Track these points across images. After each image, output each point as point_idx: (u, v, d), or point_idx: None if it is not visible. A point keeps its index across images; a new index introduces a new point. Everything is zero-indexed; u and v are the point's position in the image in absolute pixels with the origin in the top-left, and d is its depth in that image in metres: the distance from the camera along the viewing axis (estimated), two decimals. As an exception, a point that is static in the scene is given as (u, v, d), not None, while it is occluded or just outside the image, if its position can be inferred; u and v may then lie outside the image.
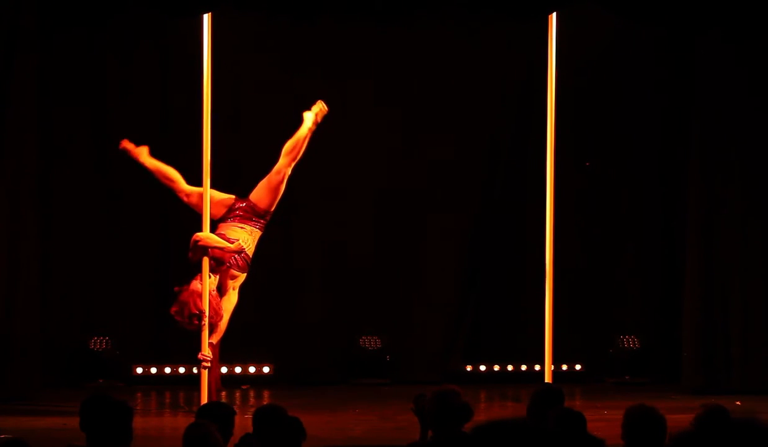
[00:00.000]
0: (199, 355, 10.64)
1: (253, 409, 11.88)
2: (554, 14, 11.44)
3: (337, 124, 13.56)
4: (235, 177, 13.31)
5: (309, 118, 11.11)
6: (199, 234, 10.60)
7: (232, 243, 10.78)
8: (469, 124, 13.66)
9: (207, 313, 10.50)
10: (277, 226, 13.54)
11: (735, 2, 12.67)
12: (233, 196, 11.00)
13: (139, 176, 13.05)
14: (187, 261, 10.72)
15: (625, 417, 5.86)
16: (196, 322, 10.54)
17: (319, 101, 11.10)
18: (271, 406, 6.31)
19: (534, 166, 12.50)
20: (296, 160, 11.08)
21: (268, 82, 13.55)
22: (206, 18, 10.86)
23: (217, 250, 10.68)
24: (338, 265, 13.60)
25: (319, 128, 13.60)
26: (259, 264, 13.31)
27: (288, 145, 11.12)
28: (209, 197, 10.73)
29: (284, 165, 11.09)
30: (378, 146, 13.63)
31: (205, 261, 10.61)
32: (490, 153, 13.78)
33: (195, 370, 10.84)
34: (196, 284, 10.62)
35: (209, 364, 10.70)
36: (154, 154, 13.34)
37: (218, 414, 6.20)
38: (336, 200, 13.66)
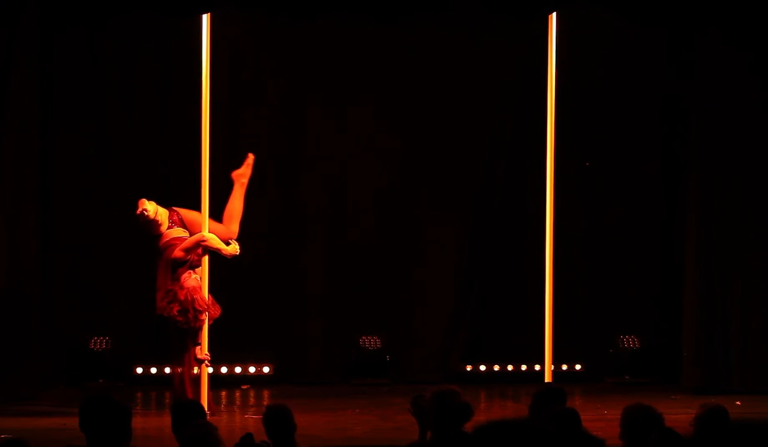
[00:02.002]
0: (203, 356, 10.72)
1: (253, 409, 11.95)
2: (554, 14, 11.45)
3: (336, 125, 13.59)
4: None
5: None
6: (205, 234, 10.72)
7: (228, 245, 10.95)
8: (469, 124, 13.65)
9: (208, 310, 10.68)
10: (276, 226, 13.57)
11: (735, 2, 12.68)
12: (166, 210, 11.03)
13: (139, 176, 13.09)
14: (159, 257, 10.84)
15: (623, 416, 5.86)
16: (202, 317, 10.63)
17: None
18: (281, 405, 6.30)
19: (534, 166, 12.51)
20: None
21: (268, 82, 13.54)
22: (206, 18, 10.87)
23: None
24: (338, 265, 13.59)
25: (320, 129, 13.62)
26: (259, 264, 13.36)
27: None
28: (207, 198, 10.78)
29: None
30: (378, 146, 13.62)
31: (205, 260, 10.73)
32: (490, 153, 13.77)
33: (195, 371, 10.83)
34: (191, 281, 10.70)
35: (209, 364, 10.86)
36: (154, 153, 13.38)
37: (193, 411, 6.20)
38: (336, 200, 13.65)
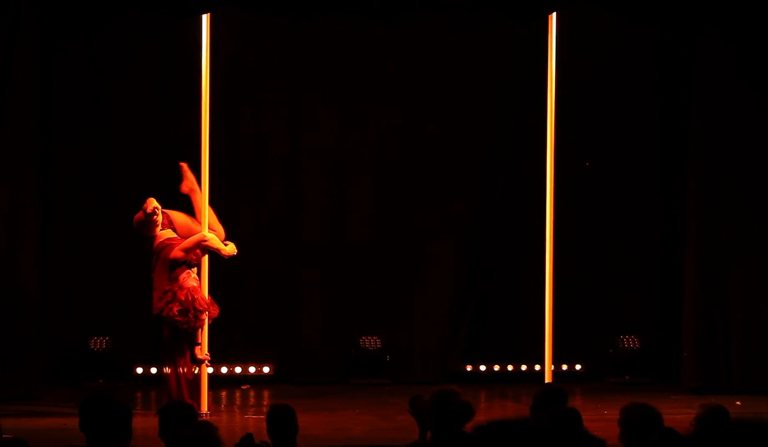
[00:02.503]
0: (203, 356, 10.73)
1: (253, 409, 11.95)
2: (554, 14, 11.45)
3: (337, 125, 13.58)
4: (233, 177, 13.33)
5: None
6: (206, 234, 10.74)
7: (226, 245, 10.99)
8: (469, 124, 13.64)
9: (208, 310, 10.72)
10: (278, 225, 13.57)
11: (734, 2, 12.67)
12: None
13: (138, 176, 13.09)
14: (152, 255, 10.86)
15: (622, 417, 5.86)
16: (202, 317, 10.64)
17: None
18: (286, 406, 6.30)
19: (534, 165, 12.51)
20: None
21: (268, 82, 13.54)
22: (205, 18, 10.87)
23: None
24: (338, 265, 13.59)
25: (320, 129, 13.62)
26: (259, 264, 13.35)
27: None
28: (207, 198, 10.80)
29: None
30: (378, 146, 13.62)
31: (205, 260, 10.75)
32: (490, 152, 13.76)
33: (195, 371, 10.83)
34: (190, 280, 10.71)
35: (209, 364, 10.89)
36: (154, 153, 13.38)
37: (182, 414, 6.17)
38: (336, 200, 13.65)
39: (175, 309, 10.57)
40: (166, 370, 10.82)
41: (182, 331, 10.66)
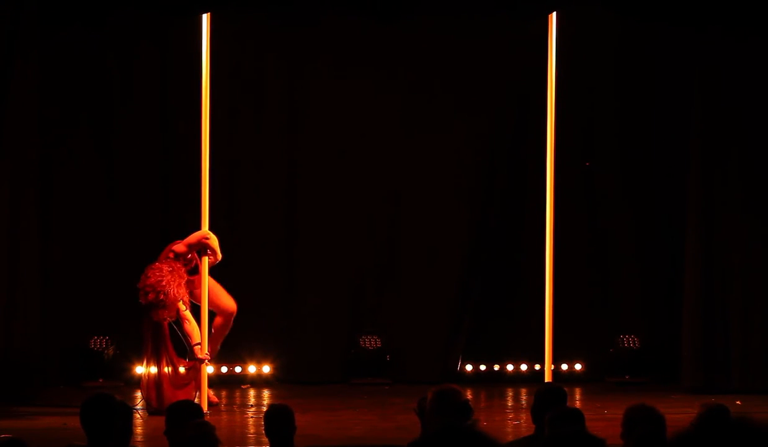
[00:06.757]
0: (203, 355, 10.74)
1: (253, 409, 11.94)
2: (554, 14, 11.45)
3: (337, 125, 13.58)
4: (233, 176, 13.33)
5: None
6: (209, 233, 10.77)
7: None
8: (469, 124, 13.64)
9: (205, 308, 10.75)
10: (277, 225, 13.57)
11: (735, 1, 12.67)
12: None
13: (139, 176, 13.09)
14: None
15: (625, 416, 5.86)
16: (164, 309, 10.68)
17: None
18: (284, 406, 6.30)
19: (534, 165, 12.50)
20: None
21: (268, 82, 13.54)
22: (205, 18, 10.87)
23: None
24: (338, 265, 13.58)
25: (319, 129, 13.62)
26: (259, 263, 13.35)
27: None
28: (207, 197, 10.80)
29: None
30: (378, 146, 13.61)
31: (205, 259, 10.76)
32: (490, 152, 13.76)
33: (181, 369, 10.84)
34: (182, 278, 10.77)
35: (209, 363, 10.91)
36: (153, 153, 13.39)
37: (189, 413, 6.19)
38: (336, 200, 13.65)
39: (151, 281, 10.63)
40: (147, 369, 10.82)
41: (160, 331, 10.67)
